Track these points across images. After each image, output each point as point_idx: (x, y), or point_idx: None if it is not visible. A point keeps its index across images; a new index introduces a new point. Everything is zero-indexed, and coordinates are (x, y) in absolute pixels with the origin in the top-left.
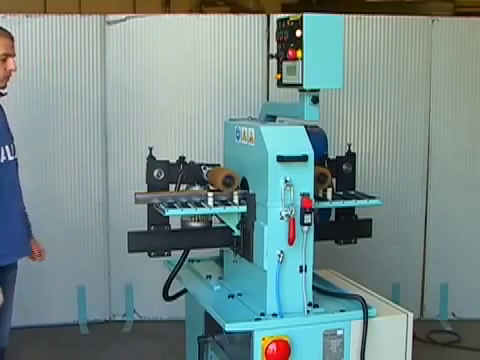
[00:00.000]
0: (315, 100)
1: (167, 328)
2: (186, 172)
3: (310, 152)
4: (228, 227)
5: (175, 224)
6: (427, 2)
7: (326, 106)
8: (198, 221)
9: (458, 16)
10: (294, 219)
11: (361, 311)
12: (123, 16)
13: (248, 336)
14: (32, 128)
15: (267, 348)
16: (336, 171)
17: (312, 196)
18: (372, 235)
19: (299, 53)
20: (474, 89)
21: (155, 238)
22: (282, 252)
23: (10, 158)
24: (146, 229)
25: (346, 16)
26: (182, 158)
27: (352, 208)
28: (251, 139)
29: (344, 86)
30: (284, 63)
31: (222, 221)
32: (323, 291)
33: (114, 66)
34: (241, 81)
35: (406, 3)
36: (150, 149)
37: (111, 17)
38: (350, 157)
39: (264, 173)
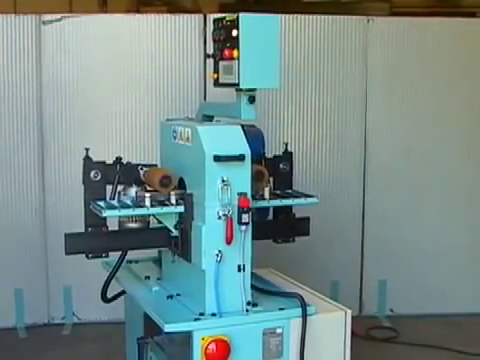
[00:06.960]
0: (252, 100)
1: (107, 330)
2: (123, 173)
3: (247, 152)
4: (166, 227)
5: (113, 225)
6: (364, 2)
7: (263, 105)
8: (136, 222)
9: (394, 16)
10: (232, 218)
11: (300, 309)
12: (58, 16)
13: (187, 336)
14: None
15: (207, 348)
16: (273, 170)
17: (249, 195)
18: (310, 233)
19: (235, 53)
20: (409, 88)
21: (92, 239)
22: (220, 252)
23: None
24: (84, 230)
25: (282, 16)
26: (119, 159)
27: (290, 207)
28: (188, 139)
29: (281, 85)
30: (221, 63)
31: (160, 222)
32: (262, 290)
33: (50, 66)
34: (178, 81)
35: (343, 3)
36: (87, 150)
37: (47, 17)
38: (287, 156)
39: (201, 173)
